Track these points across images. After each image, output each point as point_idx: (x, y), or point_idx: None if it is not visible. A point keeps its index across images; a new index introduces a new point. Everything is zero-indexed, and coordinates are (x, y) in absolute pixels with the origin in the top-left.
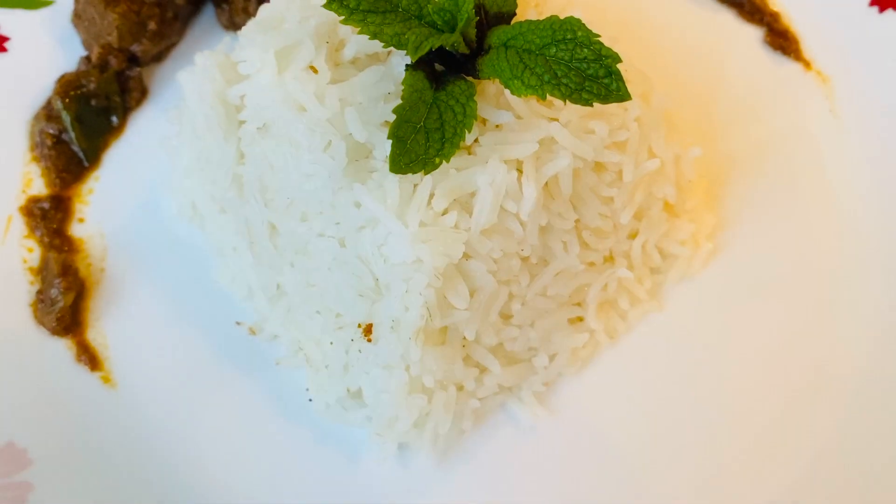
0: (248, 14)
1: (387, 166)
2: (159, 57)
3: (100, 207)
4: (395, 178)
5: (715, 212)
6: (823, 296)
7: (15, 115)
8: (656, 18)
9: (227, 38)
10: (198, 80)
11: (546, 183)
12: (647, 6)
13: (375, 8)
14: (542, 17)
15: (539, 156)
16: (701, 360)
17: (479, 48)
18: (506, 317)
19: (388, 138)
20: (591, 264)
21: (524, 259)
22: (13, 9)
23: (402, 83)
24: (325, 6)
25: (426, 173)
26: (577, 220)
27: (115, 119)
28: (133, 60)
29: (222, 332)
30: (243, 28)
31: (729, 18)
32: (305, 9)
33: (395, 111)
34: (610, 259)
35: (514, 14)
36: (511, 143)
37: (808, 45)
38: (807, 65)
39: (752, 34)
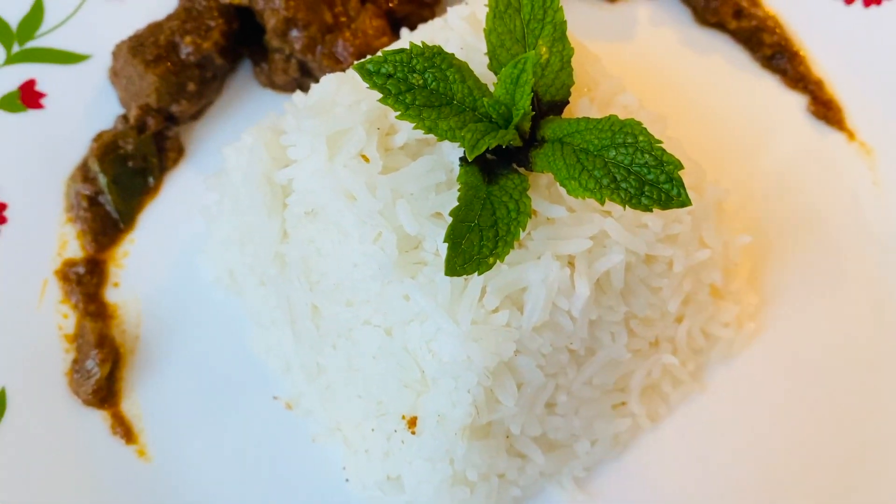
0: (288, 74)
1: (437, 259)
2: (197, 115)
3: (135, 271)
4: None
5: (758, 290)
6: (867, 374)
7: (51, 173)
8: (700, 85)
9: (265, 96)
10: (244, 158)
11: (598, 278)
12: (690, 73)
13: (430, 102)
14: (594, 103)
15: (592, 251)
16: (743, 441)
17: (531, 138)
18: (550, 406)
19: (445, 241)
20: (637, 351)
21: (572, 351)
22: (50, 64)
23: (458, 180)
24: (380, 101)
25: (480, 274)
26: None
27: (151, 180)
28: (170, 119)
29: (258, 405)
30: (294, 109)
31: (772, 85)
32: (356, 91)
33: (451, 213)
34: (655, 344)
35: (567, 102)
36: (563, 238)
37: (851, 115)
38: (850, 135)
39: (796, 102)
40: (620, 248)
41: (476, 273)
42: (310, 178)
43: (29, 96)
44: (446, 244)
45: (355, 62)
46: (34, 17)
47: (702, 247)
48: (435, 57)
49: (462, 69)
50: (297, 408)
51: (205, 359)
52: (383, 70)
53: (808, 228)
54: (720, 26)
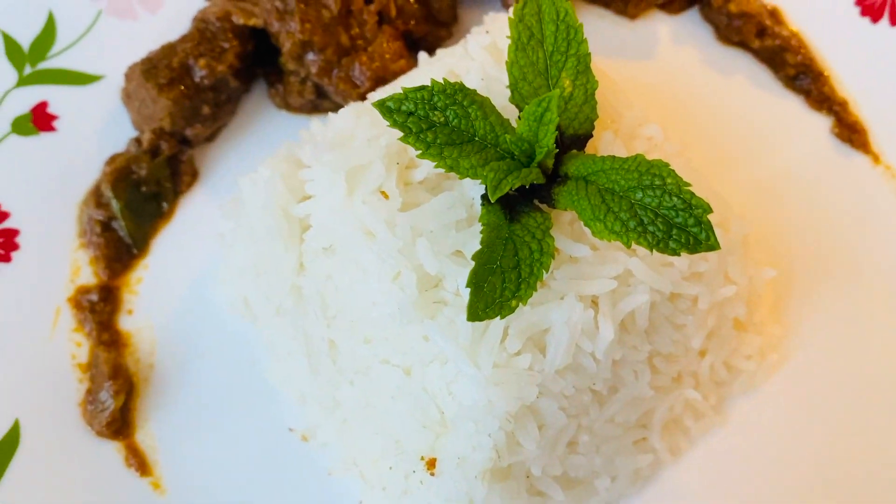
0: (303, 97)
1: (458, 299)
2: (211, 137)
3: (149, 298)
4: None
5: (781, 321)
6: (891, 406)
7: (63, 197)
8: (721, 106)
9: (279, 117)
10: (261, 191)
11: (622, 319)
12: (711, 93)
13: (452, 140)
14: (618, 136)
15: (616, 290)
16: (763, 475)
17: (554, 174)
18: (572, 445)
19: (467, 286)
20: (660, 387)
21: (594, 391)
22: (62, 85)
23: (480, 220)
24: (401, 140)
25: (503, 317)
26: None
27: (164, 205)
28: (184, 142)
29: (273, 436)
30: (310, 137)
31: (795, 106)
32: (375, 124)
33: (474, 257)
34: (677, 379)
35: (591, 136)
36: (587, 277)
37: (877, 138)
38: (876, 158)
39: (820, 123)
40: (645, 288)
41: (498, 317)
42: (328, 214)
43: (41, 119)
44: (468, 288)
45: (374, 99)
46: (46, 38)
47: (727, 282)
48: (457, 94)
49: (484, 105)
50: (312, 440)
51: (219, 388)
52: (404, 108)
53: (832, 256)
54: (742, 45)
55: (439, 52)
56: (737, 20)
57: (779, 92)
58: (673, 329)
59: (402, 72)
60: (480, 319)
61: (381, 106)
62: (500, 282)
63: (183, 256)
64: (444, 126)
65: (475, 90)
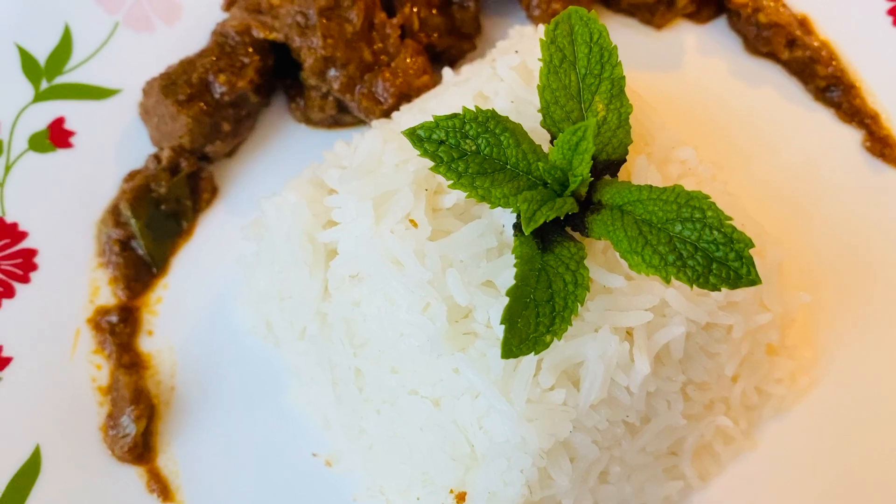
0: (324, 112)
1: (489, 331)
2: (230, 153)
3: (169, 319)
4: (498, 350)
5: (812, 344)
6: None
7: (81, 215)
8: (749, 118)
9: (299, 131)
10: (286, 216)
11: (657, 351)
12: (739, 105)
13: (483, 169)
14: (652, 160)
15: (651, 321)
16: (792, 501)
17: (587, 201)
18: (603, 475)
19: (501, 322)
20: (692, 415)
21: (627, 423)
22: (80, 100)
23: (513, 252)
24: (432, 169)
25: (537, 353)
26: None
27: (184, 223)
28: (204, 158)
29: (297, 460)
30: (335, 158)
31: (825, 119)
32: (403, 149)
33: (508, 293)
34: (709, 406)
35: (625, 160)
36: (622, 309)
37: None
38: None
39: (851, 137)
40: (681, 319)
41: (532, 353)
42: (355, 243)
43: (58, 135)
44: (503, 325)
45: (397, 116)
46: (63, 51)
47: (762, 310)
48: (489, 121)
49: (516, 132)
50: (337, 465)
51: (242, 411)
52: (435, 136)
53: (863, 276)
54: (771, 56)
55: (465, 69)
56: (766, 31)
57: (808, 104)
58: (706, 357)
59: (426, 88)
60: (515, 356)
61: (412, 135)
62: (534, 316)
63: (203, 276)
64: (475, 155)
65: (507, 117)
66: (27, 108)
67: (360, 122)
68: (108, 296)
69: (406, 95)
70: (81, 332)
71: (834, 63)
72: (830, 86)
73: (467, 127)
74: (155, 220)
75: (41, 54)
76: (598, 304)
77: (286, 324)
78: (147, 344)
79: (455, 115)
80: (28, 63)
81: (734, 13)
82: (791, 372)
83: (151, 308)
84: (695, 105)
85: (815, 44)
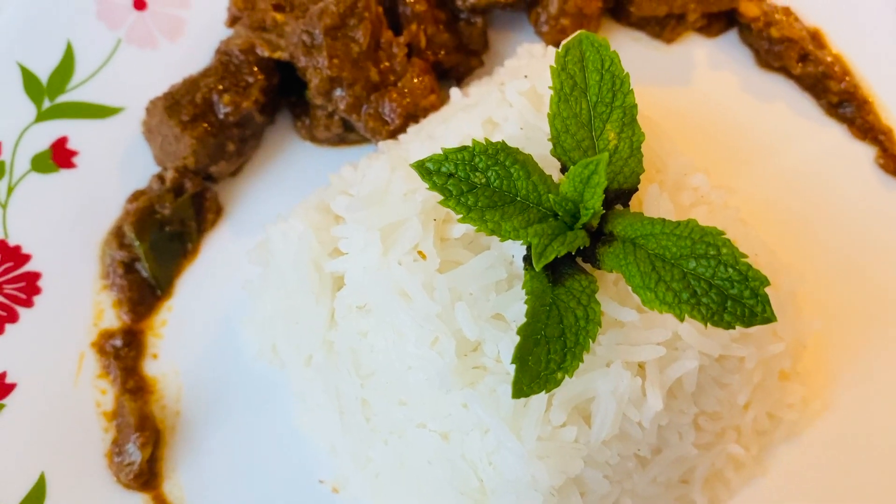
0: (330, 131)
1: (499, 365)
2: (235, 172)
3: (174, 342)
4: (508, 386)
5: (824, 367)
6: None
7: (85, 236)
8: (761, 134)
9: (304, 148)
10: (292, 244)
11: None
12: (750, 120)
13: (493, 202)
14: (664, 188)
15: (664, 355)
16: None
17: (598, 231)
18: None
19: (513, 362)
20: (703, 445)
21: (638, 456)
22: (83, 119)
23: (523, 287)
24: (441, 203)
25: (548, 391)
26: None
27: (189, 244)
28: (208, 178)
29: (304, 486)
30: (342, 182)
31: (838, 135)
32: (411, 178)
33: (519, 331)
34: (720, 434)
35: (636, 190)
36: (634, 343)
37: None
38: None
39: (863, 154)
40: (694, 353)
41: (543, 391)
42: (362, 274)
43: (61, 155)
44: (514, 364)
45: (404, 137)
46: (65, 69)
47: (775, 339)
48: (499, 154)
49: (527, 163)
50: (343, 491)
51: (248, 436)
52: (444, 169)
53: (876, 299)
54: (783, 70)
55: (473, 89)
56: (778, 45)
57: (820, 120)
58: (718, 388)
59: (434, 108)
60: (526, 395)
61: (420, 167)
62: (545, 353)
63: (208, 297)
64: (485, 187)
65: (517, 149)
66: (29, 128)
67: (366, 140)
68: (112, 318)
69: (413, 115)
70: (86, 356)
71: (847, 78)
72: (843, 101)
73: (477, 159)
74: (159, 241)
75: (43, 73)
76: (610, 338)
77: (292, 349)
78: (152, 368)
79: (464, 148)
80: (30, 82)
81: (745, 27)
82: (803, 397)
83: (156, 331)
84: (705, 121)
85: (828, 58)
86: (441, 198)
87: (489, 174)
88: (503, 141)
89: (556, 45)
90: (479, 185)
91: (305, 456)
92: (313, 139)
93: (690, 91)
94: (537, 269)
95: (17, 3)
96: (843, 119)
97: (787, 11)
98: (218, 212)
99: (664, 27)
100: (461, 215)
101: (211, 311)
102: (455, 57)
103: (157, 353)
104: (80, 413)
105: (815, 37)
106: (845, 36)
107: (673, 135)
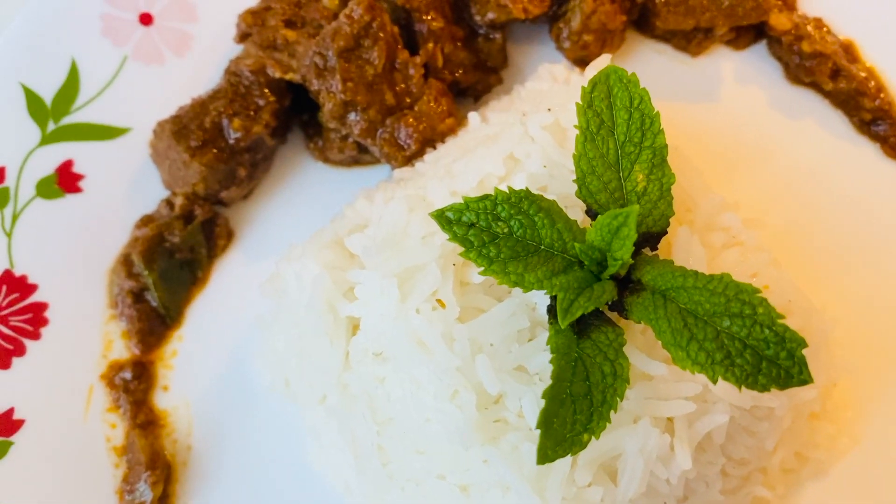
0: (343, 153)
1: (521, 421)
2: (246, 195)
3: (184, 373)
4: (532, 444)
5: (852, 403)
6: None
7: (92, 264)
8: (789, 153)
9: (316, 168)
10: (306, 286)
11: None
12: (778, 138)
13: (516, 253)
14: (694, 229)
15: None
16: None
17: (626, 278)
18: None
19: (537, 427)
20: (729, 490)
21: None
22: (88, 141)
23: (548, 343)
24: (462, 255)
25: (574, 454)
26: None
27: (199, 272)
28: (219, 202)
29: None
30: (356, 215)
31: (870, 154)
32: (428, 220)
33: (544, 395)
34: (746, 477)
35: (665, 233)
36: (662, 397)
37: None
38: None
39: None
40: (725, 406)
41: (569, 454)
42: (379, 321)
43: (67, 179)
44: (538, 430)
45: (421, 163)
46: (70, 90)
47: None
48: (522, 202)
49: (551, 210)
50: None
51: (261, 471)
52: (465, 219)
53: None
54: (814, 86)
55: (492, 115)
56: (809, 60)
57: (852, 138)
58: (747, 436)
59: (451, 131)
60: (551, 461)
61: (440, 217)
62: (571, 413)
63: (220, 326)
64: (507, 237)
65: (541, 196)
66: (34, 152)
67: (381, 161)
68: (121, 349)
69: (430, 140)
70: (95, 389)
71: (882, 95)
72: (877, 119)
73: (499, 208)
74: (169, 270)
75: (47, 93)
76: (638, 392)
77: (305, 386)
78: (163, 400)
79: (486, 197)
80: (34, 104)
81: (775, 40)
82: (831, 435)
83: (166, 362)
84: (731, 138)
85: (862, 74)
86: (462, 251)
87: (512, 223)
88: (527, 188)
89: (578, 61)
90: (501, 234)
91: (320, 494)
92: (326, 160)
93: (716, 107)
94: (563, 327)
95: (19, 21)
96: (876, 137)
97: (819, 23)
98: (229, 237)
99: (690, 40)
100: (483, 268)
101: (222, 340)
102: (474, 75)
103: (167, 385)
104: (90, 449)
105: (848, 49)
106: (880, 48)
107: (698, 152)
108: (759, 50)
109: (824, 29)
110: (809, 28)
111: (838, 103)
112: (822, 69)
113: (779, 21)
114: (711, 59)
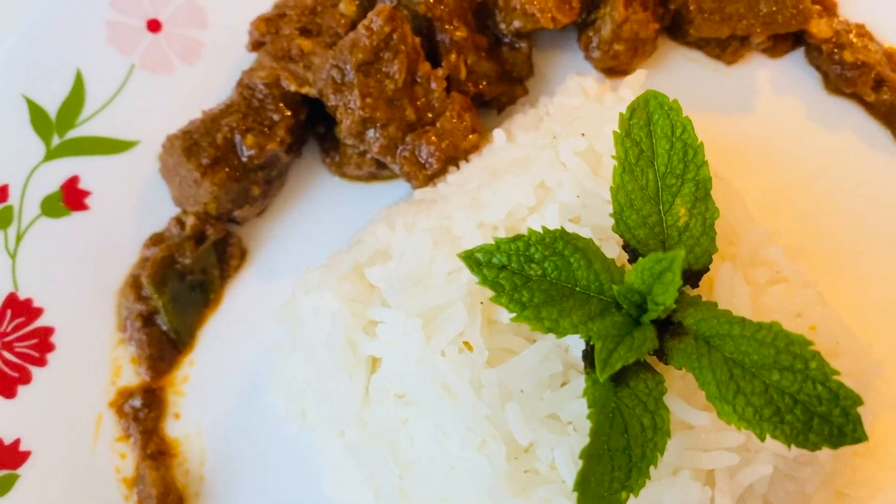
0: (361, 168)
1: (553, 472)
2: (260, 213)
3: (196, 399)
4: (565, 498)
5: (892, 439)
6: None
7: (100, 285)
8: (828, 167)
9: (332, 183)
10: (324, 321)
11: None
12: (816, 151)
13: (550, 297)
14: (737, 264)
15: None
16: None
17: (667, 320)
18: None
19: (574, 489)
20: None
21: None
22: (94, 156)
23: (584, 394)
24: (492, 300)
25: None
26: None
27: (211, 294)
28: (231, 220)
29: None
30: (376, 241)
31: None
32: (454, 256)
33: (581, 455)
34: None
35: (707, 270)
36: (704, 448)
37: None
38: None
39: None
40: (768, 456)
41: None
42: (402, 363)
43: (72, 196)
44: (575, 492)
45: (443, 183)
46: (75, 101)
47: None
48: (557, 242)
49: (587, 250)
50: None
51: (276, 502)
52: (496, 261)
53: None
54: (855, 97)
55: (519, 133)
56: (851, 71)
57: (894, 152)
58: (789, 482)
59: (475, 148)
60: None
61: (469, 258)
62: (609, 470)
63: (233, 350)
64: (541, 280)
65: (577, 235)
66: (38, 168)
67: (396, 176)
68: (130, 375)
69: (453, 158)
70: (103, 418)
71: None
72: None
73: (532, 250)
74: (179, 293)
75: (52, 106)
76: (678, 443)
77: (323, 419)
78: (174, 429)
79: (519, 237)
80: (37, 117)
81: (814, 48)
82: (870, 470)
83: (177, 388)
84: (767, 153)
85: None
86: (493, 295)
87: (546, 265)
88: (562, 228)
89: (608, 71)
90: (534, 277)
91: None
92: (343, 175)
93: (752, 118)
94: (601, 380)
95: (21, 30)
96: None
97: (861, 30)
98: (242, 256)
99: (725, 48)
100: (514, 314)
101: (236, 365)
102: (498, 87)
103: (179, 413)
104: (99, 481)
105: (892, 58)
106: None
107: (733, 169)
108: (797, 57)
109: (867, 37)
110: (851, 36)
111: (880, 115)
112: (865, 80)
113: (819, 28)
114: (747, 68)
